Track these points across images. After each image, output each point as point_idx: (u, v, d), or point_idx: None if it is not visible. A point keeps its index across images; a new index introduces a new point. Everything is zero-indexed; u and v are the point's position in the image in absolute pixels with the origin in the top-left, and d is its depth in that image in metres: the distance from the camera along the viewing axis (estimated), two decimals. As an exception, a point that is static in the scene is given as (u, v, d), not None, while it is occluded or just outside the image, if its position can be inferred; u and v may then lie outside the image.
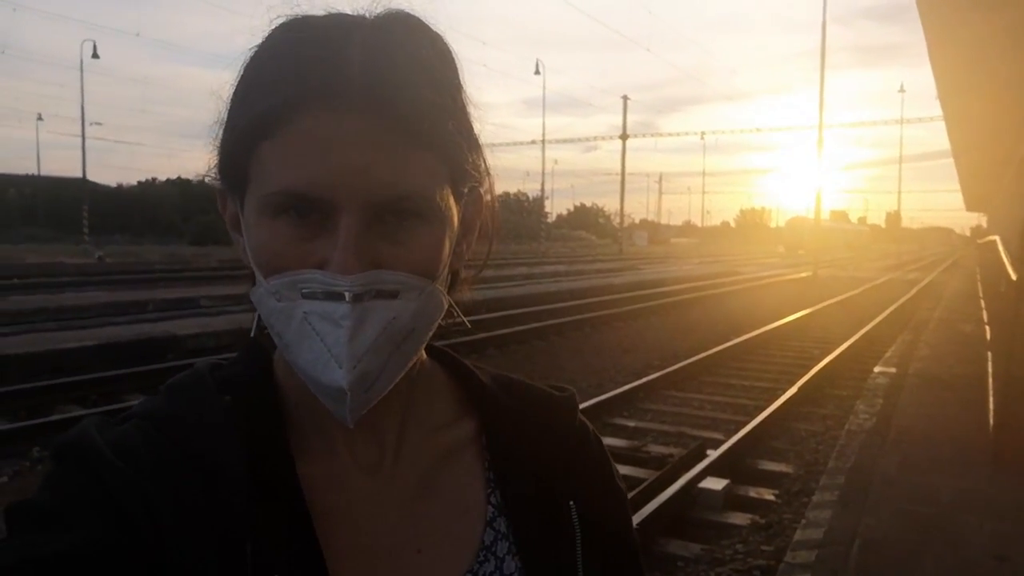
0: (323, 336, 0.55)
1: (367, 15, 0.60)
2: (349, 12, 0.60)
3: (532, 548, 0.67)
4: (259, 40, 0.60)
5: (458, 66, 0.63)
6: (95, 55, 35.61)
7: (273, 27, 0.60)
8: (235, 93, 0.60)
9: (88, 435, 0.58)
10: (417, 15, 0.61)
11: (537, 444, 0.71)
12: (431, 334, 0.62)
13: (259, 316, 0.62)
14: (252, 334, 0.66)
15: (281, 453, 0.62)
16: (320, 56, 0.56)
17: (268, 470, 0.60)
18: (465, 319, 0.68)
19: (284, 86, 0.55)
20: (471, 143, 0.63)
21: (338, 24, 0.59)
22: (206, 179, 0.65)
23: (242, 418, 0.61)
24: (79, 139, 37.08)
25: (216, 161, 0.63)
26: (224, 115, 0.61)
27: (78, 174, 38.50)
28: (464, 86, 0.63)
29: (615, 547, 0.73)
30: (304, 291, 0.56)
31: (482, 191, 0.67)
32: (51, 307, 13.22)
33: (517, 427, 0.71)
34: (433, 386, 0.71)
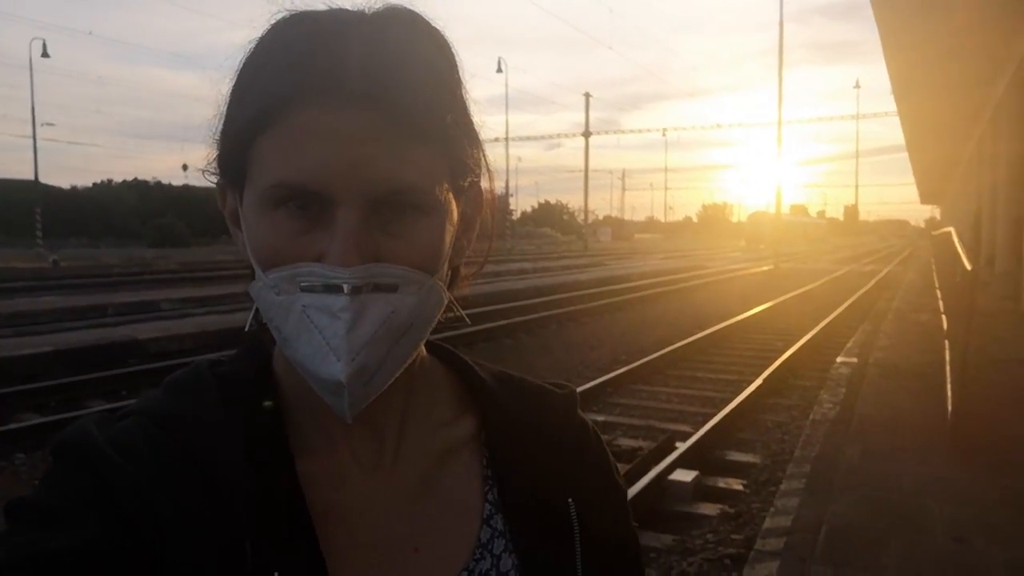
0: (321, 329, 0.55)
1: (367, 10, 0.60)
2: (349, 8, 0.60)
3: (529, 546, 0.67)
4: (258, 35, 0.60)
5: (458, 61, 0.63)
6: (45, 54, 34.70)
7: (273, 22, 0.60)
8: (234, 87, 0.60)
9: (87, 432, 0.58)
10: (417, 10, 0.61)
11: (536, 441, 0.71)
12: (430, 329, 0.62)
13: (256, 311, 0.61)
14: (247, 328, 0.65)
15: (281, 450, 0.62)
16: (319, 49, 0.56)
17: (267, 467, 0.59)
18: (464, 315, 0.68)
19: (282, 79, 0.55)
20: (471, 138, 0.63)
21: (337, 18, 0.59)
22: (204, 174, 0.65)
23: (241, 415, 0.61)
24: (30, 140, 36.09)
25: (215, 155, 0.62)
26: (223, 109, 0.61)
27: (30, 176, 37.42)
28: (464, 81, 0.63)
29: (614, 545, 0.73)
30: (303, 284, 0.55)
31: (482, 187, 0.67)
32: (4, 313, 12.84)
33: (516, 424, 0.71)
34: (433, 383, 0.71)
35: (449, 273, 0.65)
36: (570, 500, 0.69)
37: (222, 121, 0.61)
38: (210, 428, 0.60)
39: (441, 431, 0.70)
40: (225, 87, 0.61)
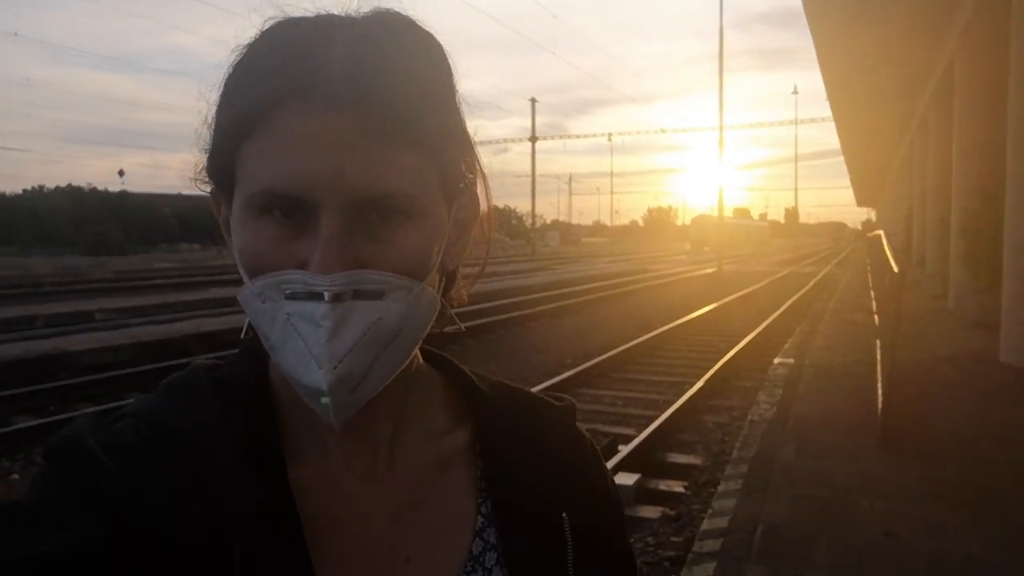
0: (304, 337, 0.54)
1: (354, 14, 0.59)
2: (337, 12, 0.60)
3: (521, 559, 0.66)
4: (248, 40, 0.60)
5: (450, 64, 0.62)
6: (-29, 55, 33.27)
7: (264, 28, 0.59)
8: (222, 93, 0.59)
9: (80, 435, 0.58)
10: (405, 13, 0.61)
11: (531, 453, 0.70)
12: (423, 336, 0.61)
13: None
14: (243, 335, 0.66)
15: (274, 455, 0.61)
16: (302, 53, 0.55)
17: (260, 472, 0.59)
18: (459, 321, 0.68)
19: (265, 83, 0.55)
20: (462, 142, 0.62)
21: (322, 23, 0.58)
22: (195, 183, 0.65)
23: (236, 419, 0.61)
24: (-45, 145, 34.48)
25: (204, 163, 0.62)
26: (211, 117, 0.60)
27: (-45, 182, 35.78)
28: (456, 85, 0.62)
29: (610, 559, 0.72)
30: (287, 292, 0.55)
31: (477, 191, 0.66)
32: (-74, 326, 12.25)
33: (511, 436, 0.70)
34: (429, 391, 0.70)
35: (443, 279, 0.64)
36: (564, 514, 0.68)
37: (209, 129, 0.60)
38: (204, 432, 0.59)
39: (436, 440, 0.69)
40: (211, 93, 0.60)
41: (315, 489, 0.62)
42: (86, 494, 0.55)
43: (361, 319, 0.55)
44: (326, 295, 0.53)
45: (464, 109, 0.63)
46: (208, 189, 0.64)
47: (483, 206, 0.68)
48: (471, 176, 0.65)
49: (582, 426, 0.77)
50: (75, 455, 0.56)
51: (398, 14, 0.60)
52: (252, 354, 0.67)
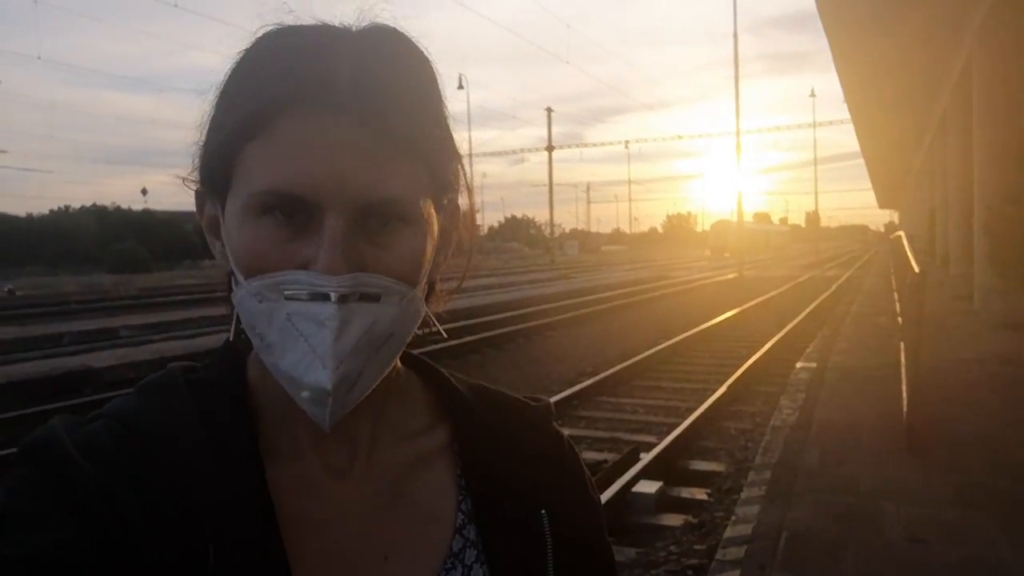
0: (307, 337, 0.55)
1: (353, 27, 0.61)
2: (335, 24, 0.61)
3: (500, 556, 0.67)
4: (245, 46, 0.61)
5: (439, 80, 0.64)
6: (-3, 79, 33.92)
7: (259, 35, 0.60)
8: (220, 96, 0.60)
9: (54, 435, 0.57)
10: (401, 29, 0.62)
11: (509, 452, 0.71)
12: (408, 341, 0.63)
13: (237, 319, 0.62)
14: (230, 339, 0.66)
15: (250, 456, 0.61)
16: (309, 60, 0.57)
17: (236, 473, 0.59)
18: (442, 329, 0.69)
19: (273, 88, 0.56)
20: (452, 153, 0.64)
21: (326, 32, 0.60)
22: (185, 182, 0.65)
23: (212, 420, 0.61)
24: (-17, 168, 35.18)
25: (198, 163, 0.63)
26: (207, 117, 0.61)
27: (-17, 204, 36.47)
28: (446, 100, 0.64)
29: (588, 557, 0.73)
30: (287, 292, 0.56)
31: (460, 203, 0.68)
32: (-44, 346, 12.47)
33: (490, 435, 0.71)
34: (408, 393, 0.71)
35: (426, 288, 0.65)
36: (543, 511, 0.69)
37: (205, 130, 0.61)
38: (179, 432, 0.59)
39: (414, 440, 0.70)
40: (208, 101, 0.61)
41: (292, 489, 0.62)
42: (61, 495, 0.54)
43: (361, 321, 0.56)
44: (333, 296, 0.54)
45: (451, 123, 0.65)
46: (194, 187, 0.65)
47: (465, 217, 0.70)
48: (457, 187, 0.67)
49: (559, 426, 0.78)
50: (49, 456, 0.56)
51: (394, 29, 0.62)
52: (230, 356, 0.67)
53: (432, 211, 0.62)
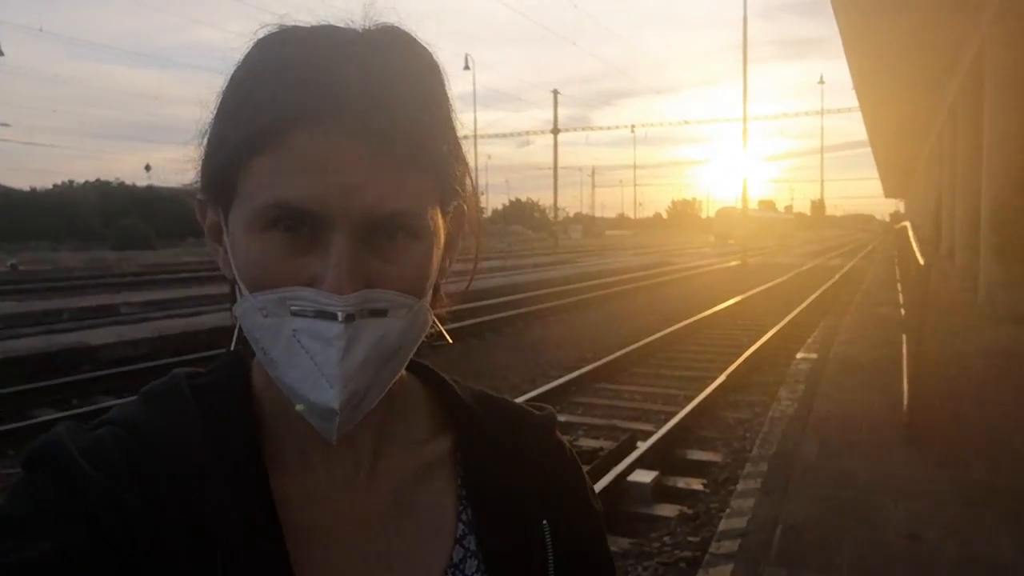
0: (313, 355, 0.55)
1: (358, 28, 0.60)
2: (339, 24, 0.60)
3: (501, 567, 0.67)
4: (246, 50, 0.59)
5: (445, 81, 0.63)
6: None
7: (260, 37, 0.59)
8: (224, 106, 0.59)
9: (59, 441, 0.57)
10: (407, 29, 0.61)
11: (511, 462, 0.71)
12: (414, 350, 0.62)
13: (239, 329, 0.61)
14: (232, 347, 0.65)
15: (255, 465, 0.61)
16: (317, 72, 0.55)
17: (241, 481, 0.59)
18: (446, 334, 0.68)
19: (280, 101, 0.55)
20: (459, 161, 0.63)
21: (332, 38, 0.58)
22: (191, 187, 0.64)
23: (217, 428, 0.61)
24: (-14, 141, 35.08)
25: (200, 173, 0.62)
26: (209, 127, 0.60)
27: (-14, 178, 36.42)
28: (452, 102, 0.63)
29: (589, 568, 0.73)
30: (293, 308, 0.55)
31: (465, 207, 0.67)
32: (-45, 320, 12.45)
33: (492, 444, 0.71)
34: (412, 401, 0.71)
35: (431, 293, 0.64)
36: (544, 522, 0.70)
37: (206, 138, 0.60)
38: (185, 440, 0.59)
39: (417, 449, 0.70)
40: (211, 101, 0.60)
41: (297, 498, 0.62)
42: (66, 501, 0.54)
43: (368, 338, 0.56)
44: (340, 315, 0.54)
45: (457, 126, 0.64)
46: (197, 196, 0.64)
47: (471, 222, 0.69)
48: (463, 192, 0.65)
49: (562, 435, 0.78)
50: (55, 462, 0.56)
51: (401, 31, 0.61)
52: (234, 363, 0.67)
53: (439, 220, 0.61)
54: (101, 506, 0.54)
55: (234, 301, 0.61)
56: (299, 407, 0.56)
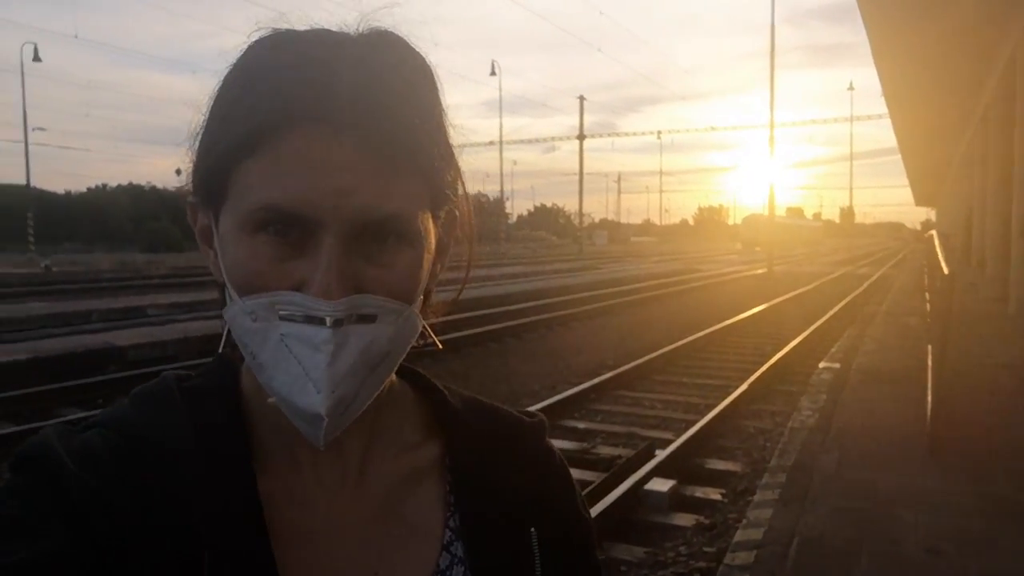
0: (301, 360, 0.54)
1: (351, 32, 0.60)
2: (332, 28, 0.60)
3: (488, 574, 0.66)
4: (239, 53, 0.59)
5: (438, 86, 0.63)
6: (36, 58, 34.57)
7: (254, 40, 0.59)
8: (216, 108, 0.59)
9: (48, 444, 0.57)
10: (400, 34, 0.61)
11: (500, 468, 0.71)
12: (404, 356, 0.62)
13: (228, 332, 0.61)
14: (221, 350, 0.65)
15: (243, 467, 0.61)
16: (308, 75, 0.55)
17: (229, 483, 0.59)
18: (437, 340, 0.68)
19: (271, 105, 0.55)
20: (451, 166, 0.63)
21: (325, 42, 0.58)
22: (184, 187, 0.65)
23: (206, 430, 0.61)
24: (22, 145, 35.91)
25: (191, 174, 0.62)
26: (202, 129, 0.60)
27: (22, 181, 37.26)
28: (445, 106, 0.63)
29: (578, 575, 0.73)
30: (282, 313, 0.55)
31: (457, 212, 0.67)
32: (-12, 320, 12.72)
33: (481, 450, 0.71)
34: (401, 406, 0.71)
35: (421, 299, 0.64)
36: (533, 529, 0.69)
37: (198, 140, 0.60)
38: (173, 442, 0.59)
39: (406, 454, 0.70)
40: (203, 104, 0.60)
41: (285, 502, 0.62)
42: (55, 502, 0.54)
43: (357, 343, 0.55)
44: (328, 320, 0.54)
45: (451, 131, 0.63)
46: (188, 198, 0.64)
47: (463, 227, 0.69)
48: (455, 197, 0.65)
49: (552, 443, 0.77)
50: (44, 464, 0.56)
51: (394, 35, 0.61)
52: (223, 366, 0.67)
53: (430, 224, 0.61)
54: (90, 508, 0.54)
55: (224, 305, 0.61)
56: (297, 416, 0.56)
